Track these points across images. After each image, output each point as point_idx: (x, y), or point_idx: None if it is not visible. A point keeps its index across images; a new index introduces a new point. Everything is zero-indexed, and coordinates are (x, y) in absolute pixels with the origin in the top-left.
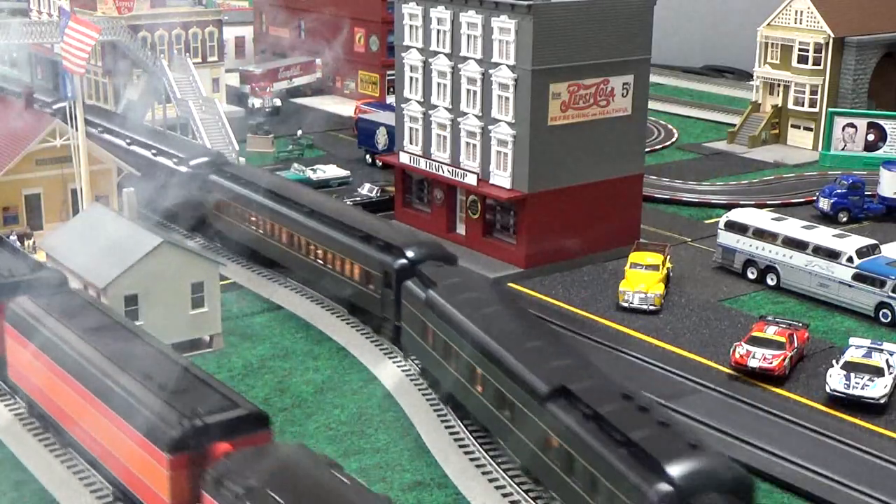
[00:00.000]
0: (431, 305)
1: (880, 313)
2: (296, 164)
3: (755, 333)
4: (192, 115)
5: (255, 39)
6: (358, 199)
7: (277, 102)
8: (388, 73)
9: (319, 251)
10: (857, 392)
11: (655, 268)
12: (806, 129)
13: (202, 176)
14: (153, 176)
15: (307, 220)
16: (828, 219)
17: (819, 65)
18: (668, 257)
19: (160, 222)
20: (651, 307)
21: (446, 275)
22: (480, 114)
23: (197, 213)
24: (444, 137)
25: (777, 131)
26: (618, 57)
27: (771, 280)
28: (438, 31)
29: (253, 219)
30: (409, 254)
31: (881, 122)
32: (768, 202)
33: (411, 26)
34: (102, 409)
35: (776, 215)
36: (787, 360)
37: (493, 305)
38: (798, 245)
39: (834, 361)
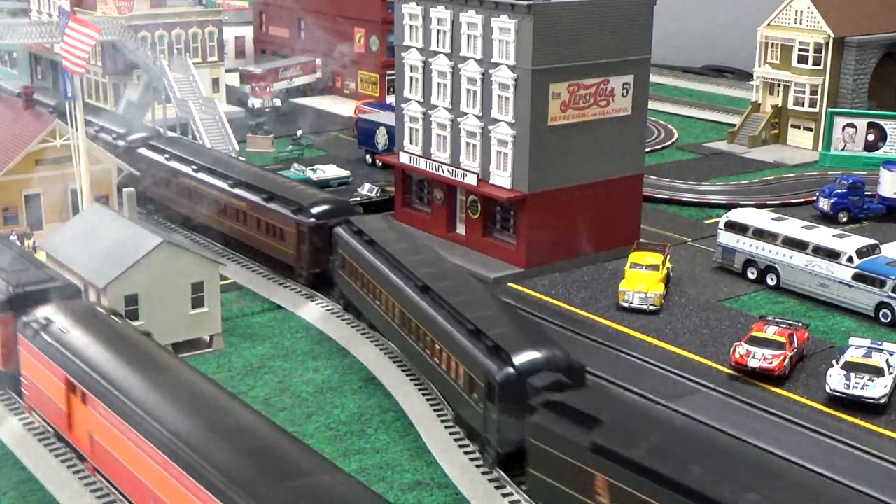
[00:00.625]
0: (605, 453)
1: (880, 313)
2: (296, 165)
3: (755, 333)
4: (192, 116)
5: (255, 39)
6: (358, 199)
7: (277, 102)
8: (388, 73)
9: (428, 338)
10: (857, 392)
11: (655, 268)
12: (806, 129)
13: (328, 227)
14: (267, 227)
15: (419, 296)
16: (828, 219)
17: (819, 65)
18: (668, 257)
19: (162, 223)
20: (651, 307)
21: (592, 403)
22: (480, 114)
23: (316, 268)
24: (444, 137)
25: (777, 131)
26: (618, 57)
27: (771, 280)
28: (438, 31)
29: (370, 287)
30: (518, 361)
31: (881, 122)
32: (768, 202)
33: (411, 26)
34: None
35: (776, 215)
36: (787, 360)
37: (682, 450)
38: (798, 245)
39: (834, 361)
